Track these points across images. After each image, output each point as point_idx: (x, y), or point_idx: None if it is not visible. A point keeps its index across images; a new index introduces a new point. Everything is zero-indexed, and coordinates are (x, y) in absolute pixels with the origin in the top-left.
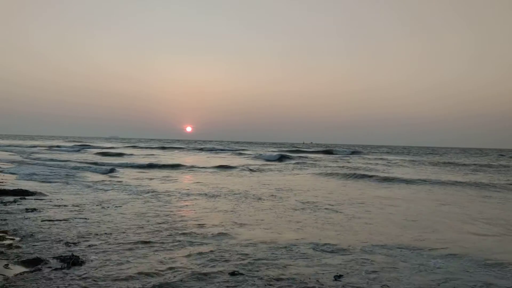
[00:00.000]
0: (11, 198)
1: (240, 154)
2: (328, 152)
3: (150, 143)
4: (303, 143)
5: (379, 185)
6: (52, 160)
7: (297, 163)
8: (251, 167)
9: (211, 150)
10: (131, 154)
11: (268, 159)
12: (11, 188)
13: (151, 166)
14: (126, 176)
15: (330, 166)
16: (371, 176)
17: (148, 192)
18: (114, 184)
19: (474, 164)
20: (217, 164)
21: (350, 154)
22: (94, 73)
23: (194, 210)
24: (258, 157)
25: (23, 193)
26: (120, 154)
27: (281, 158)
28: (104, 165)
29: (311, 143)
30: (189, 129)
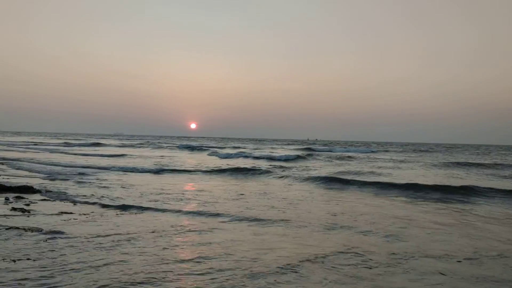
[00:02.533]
0: None
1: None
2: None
3: (144, 139)
4: (308, 139)
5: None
6: None
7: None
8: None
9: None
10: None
11: (285, 159)
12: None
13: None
14: None
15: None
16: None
17: None
18: None
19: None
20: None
21: (369, 153)
22: (99, 71)
23: None
24: (226, 156)
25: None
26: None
27: (296, 158)
28: None
29: (316, 140)
30: (193, 126)
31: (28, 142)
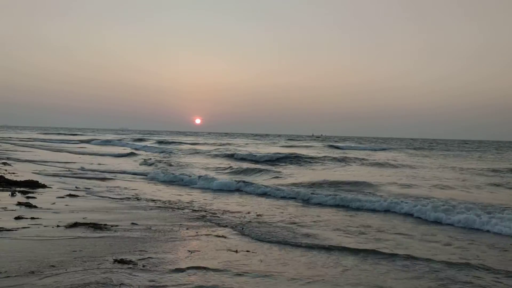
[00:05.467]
0: None
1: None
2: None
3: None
4: (312, 135)
5: None
6: None
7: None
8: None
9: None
10: None
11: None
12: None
13: None
14: None
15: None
16: None
17: None
18: None
19: None
20: None
21: (379, 150)
22: (106, 65)
23: None
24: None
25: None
26: None
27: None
28: None
29: (321, 135)
30: (198, 121)
31: (55, 140)
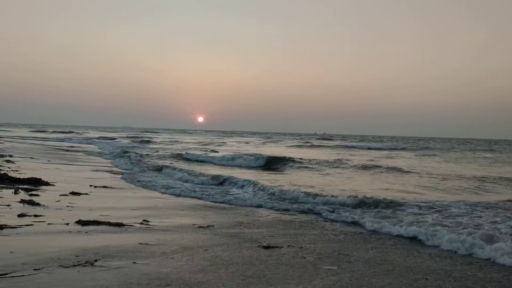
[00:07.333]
0: None
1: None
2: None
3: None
4: (315, 133)
5: None
6: None
7: None
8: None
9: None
10: None
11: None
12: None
13: None
14: None
15: None
16: None
17: None
18: None
19: None
20: None
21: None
22: (111, 63)
23: None
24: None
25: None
26: None
27: None
28: None
29: (324, 133)
30: (200, 119)
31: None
